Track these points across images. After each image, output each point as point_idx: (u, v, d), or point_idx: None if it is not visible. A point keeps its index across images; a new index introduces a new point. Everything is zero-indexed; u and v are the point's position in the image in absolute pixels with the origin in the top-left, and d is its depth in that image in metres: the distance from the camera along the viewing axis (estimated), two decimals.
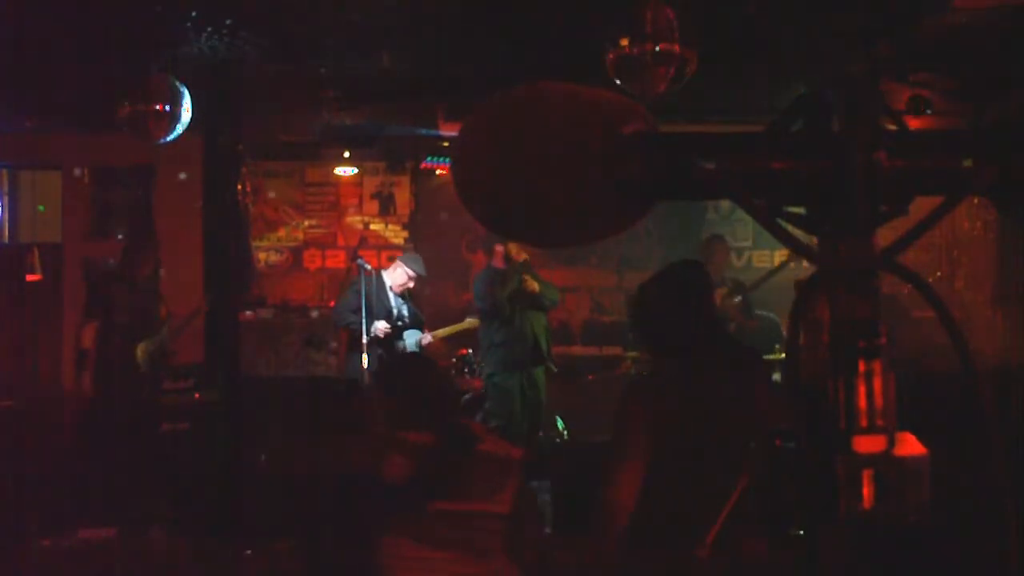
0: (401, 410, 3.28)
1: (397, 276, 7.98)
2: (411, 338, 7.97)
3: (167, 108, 5.85)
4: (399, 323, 7.93)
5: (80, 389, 6.82)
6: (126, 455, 6.66)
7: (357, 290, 7.70)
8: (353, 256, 8.25)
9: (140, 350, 6.88)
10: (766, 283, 7.93)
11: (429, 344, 8.03)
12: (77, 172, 8.82)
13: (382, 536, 3.13)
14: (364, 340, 7.52)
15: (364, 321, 7.54)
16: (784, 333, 7.47)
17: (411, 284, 8.02)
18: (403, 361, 4.11)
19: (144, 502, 6.53)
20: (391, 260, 8.39)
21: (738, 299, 7.70)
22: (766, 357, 7.47)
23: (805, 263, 6.73)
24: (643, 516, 2.97)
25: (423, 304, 8.54)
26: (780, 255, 8.38)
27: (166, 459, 6.70)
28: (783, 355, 6.24)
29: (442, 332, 8.30)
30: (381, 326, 7.75)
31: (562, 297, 8.42)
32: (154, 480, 6.58)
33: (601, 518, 3.04)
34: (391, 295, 8.01)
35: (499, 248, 7.65)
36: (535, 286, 7.67)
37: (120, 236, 8.52)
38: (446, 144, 8.27)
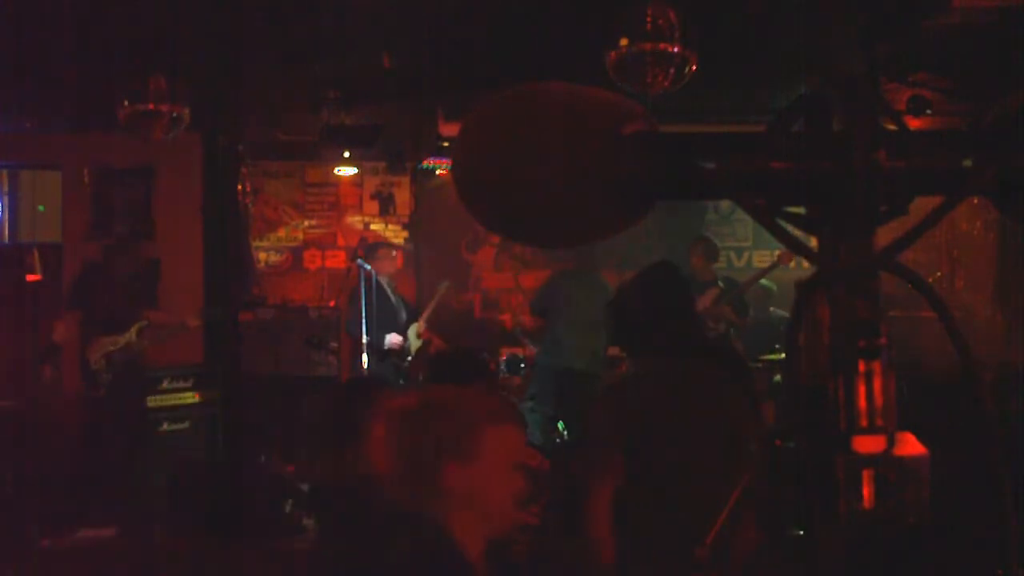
0: None
1: (385, 264, 7.95)
2: (412, 334, 7.98)
3: (167, 108, 5.84)
4: (403, 323, 7.95)
5: (40, 385, 6.82)
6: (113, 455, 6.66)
7: (358, 297, 7.69)
8: (353, 256, 8.24)
9: (95, 348, 6.84)
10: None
11: (424, 333, 8.00)
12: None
13: None
14: (364, 340, 7.49)
15: (364, 324, 7.52)
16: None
17: (399, 261, 8.00)
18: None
19: (144, 502, 6.53)
20: (368, 255, 8.05)
21: (727, 299, 7.71)
22: (767, 357, 7.48)
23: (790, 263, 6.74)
24: (633, 538, 2.80)
25: (424, 304, 8.53)
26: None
27: (166, 459, 6.69)
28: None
29: (426, 314, 8.20)
30: (394, 339, 7.76)
31: None
32: (154, 480, 6.57)
33: (586, 562, 2.80)
34: (391, 295, 7.99)
35: None
36: None
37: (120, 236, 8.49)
38: (446, 144, 8.26)
